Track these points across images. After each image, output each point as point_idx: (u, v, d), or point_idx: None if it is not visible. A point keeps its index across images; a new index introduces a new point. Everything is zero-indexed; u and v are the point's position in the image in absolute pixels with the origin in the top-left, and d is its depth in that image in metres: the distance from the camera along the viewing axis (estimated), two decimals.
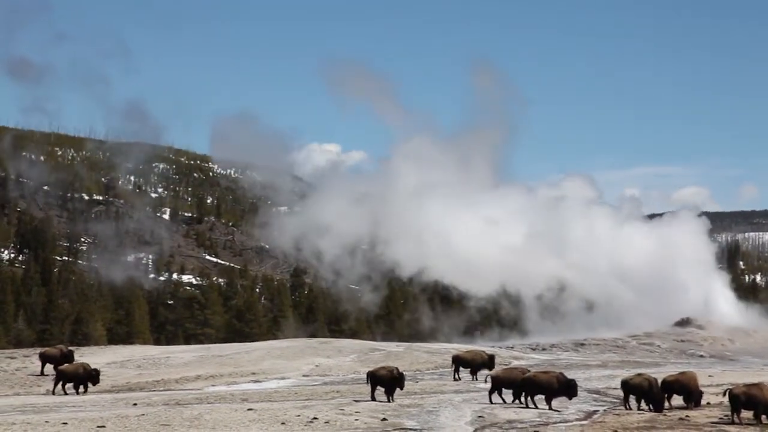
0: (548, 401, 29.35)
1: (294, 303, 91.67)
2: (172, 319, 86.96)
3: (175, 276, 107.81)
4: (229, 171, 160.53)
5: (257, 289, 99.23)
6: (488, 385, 31.88)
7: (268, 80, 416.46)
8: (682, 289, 76.76)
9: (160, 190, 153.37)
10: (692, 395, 30.04)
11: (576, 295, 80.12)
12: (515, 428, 25.52)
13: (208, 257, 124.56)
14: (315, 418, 25.99)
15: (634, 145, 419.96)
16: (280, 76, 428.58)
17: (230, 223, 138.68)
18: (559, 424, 26.27)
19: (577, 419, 27.54)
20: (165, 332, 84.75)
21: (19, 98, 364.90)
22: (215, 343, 69.48)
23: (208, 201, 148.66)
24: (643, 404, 29.47)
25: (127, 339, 75.03)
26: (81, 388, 35.66)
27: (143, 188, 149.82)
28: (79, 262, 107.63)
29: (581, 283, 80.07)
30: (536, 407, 29.27)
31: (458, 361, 40.50)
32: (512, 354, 54.37)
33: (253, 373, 42.81)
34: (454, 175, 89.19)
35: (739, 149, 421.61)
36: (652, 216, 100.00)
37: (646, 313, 74.51)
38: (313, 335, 73.03)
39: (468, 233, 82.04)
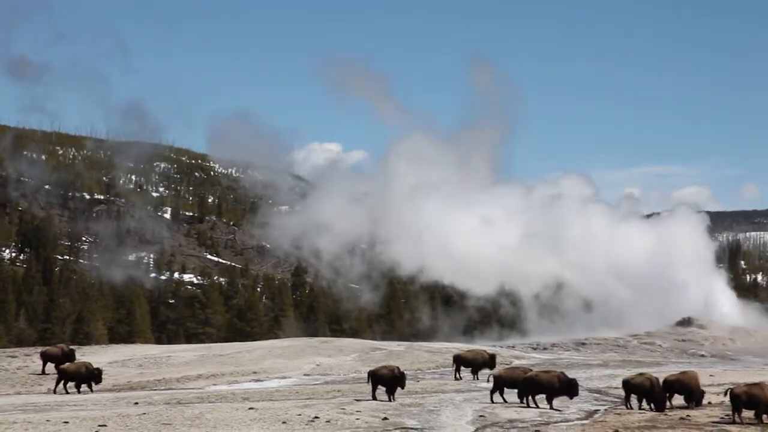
0: (549, 400, 29.35)
1: (295, 302, 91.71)
2: (173, 319, 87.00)
3: (176, 275, 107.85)
4: (230, 170, 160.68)
5: (258, 289, 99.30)
6: (489, 385, 31.88)
7: (269, 80, 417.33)
8: (682, 288, 76.62)
9: (161, 189, 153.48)
10: (693, 395, 30.04)
11: (575, 294, 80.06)
12: (516, 427, 25.52)
13: (209, 256, 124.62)
14: (316, 418, 26.00)
15: (634, 145, 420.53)
16: (282, 75, 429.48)
17: (231, 223, 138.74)
18: (560, 424, 26.27)
19: (578, 418, 27.54)
20: (166, 331, 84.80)
21: (19, 97, 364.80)
22: (216, 342, 69.53)
23: (209, 200, 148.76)
24: (644, 404, 29.46)
25: (128, 338, 75.06)
26: (84, 387, 35.66)
27: (144, 187, 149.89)
28: (81, 261, 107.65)
29: (580, 282, 80.00)
30: (537, 407, 29.27)
31: (459, 361, 40.49)
32: (513, 353, 54.35)
33: (255, 373, 42.83)
34: (452, 174, 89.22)
35: (739, 149, 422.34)
36: (652, 216, 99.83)
37: (645, 313, 74.43)
38: (314, 334, 73.06)
39: (466, 232, 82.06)
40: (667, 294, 75.81)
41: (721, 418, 27.33)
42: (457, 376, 39.92)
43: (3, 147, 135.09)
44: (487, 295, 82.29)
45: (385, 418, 26.36)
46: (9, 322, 74.85)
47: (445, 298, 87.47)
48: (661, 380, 29.80)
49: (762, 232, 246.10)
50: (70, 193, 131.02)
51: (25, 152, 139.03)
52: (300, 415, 26.55)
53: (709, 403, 30.22)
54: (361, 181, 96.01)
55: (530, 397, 29.70)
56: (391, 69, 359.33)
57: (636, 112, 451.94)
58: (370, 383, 31.03)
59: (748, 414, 26.64)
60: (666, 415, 28.13)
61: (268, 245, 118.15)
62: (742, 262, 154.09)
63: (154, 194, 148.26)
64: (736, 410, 26.66)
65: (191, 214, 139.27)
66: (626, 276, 78.46)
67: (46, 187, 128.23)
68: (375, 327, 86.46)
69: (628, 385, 29.77)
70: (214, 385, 38.69)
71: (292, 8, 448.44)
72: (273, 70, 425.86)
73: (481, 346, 53.86)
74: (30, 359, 46.90)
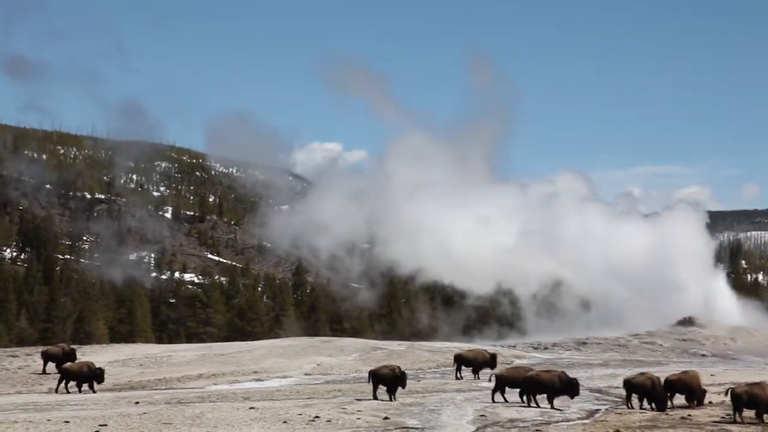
0: (550, 400, 29.33)
1: (296, 301, 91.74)
2: (174, 318, 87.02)
3: (177, 274, 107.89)
4: (231, 170, 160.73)
5: (259, 288, 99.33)
6: (490, 384, 31.85)
7: (270, 80, 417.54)
8: (682, 287, 76.53)
9: (162, 188, 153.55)
10: (695, 394, 30.03)
11: (573, 293, 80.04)
12: (517, 427, 25.49)
13: (210, 256, 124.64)
14: (317, 417, 25.98)
15: (634, 145, 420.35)
16: (283, 75, 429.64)
17: (232, 222, 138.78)
18: (561, 423, 26.25)
19: (579, 418, 27.52)
20: (167, 331, 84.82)
21: (19, 97, 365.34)
22: (217, 341, 69.56)
23: (210, 199, 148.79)
24: (645, 403, 29.44)
25: (129, 337, 75.08)
26: (85, 387, 35.63)
27: (145, 187, 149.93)
28: (81, 260, 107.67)
29: (578, 281, 79.96)
30: (538, 406, 29.25)
31: (460, 360, 40.48)
32: (514, 353, 54.34)
33: (255, 372, 42.84)
34: (450, 173, 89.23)
35: (739, 149, 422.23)
36: (651, 215, 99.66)
37: (645, 312, 74.41)
38: (315, 334, 73.08)
39: (464, 232, 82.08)
40: (667, 293, 75.77)
41: (722, 417, 27.31)
42: (458, 375, 39.91)
43: (4, 146, 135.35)
44: (486, 294, 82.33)
45: (386, 418, 26.35)
46: (10, 321, 74.88)
47: (444, 297, 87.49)
48: (662, 380, 29.78)
49: (762, 232, 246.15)
50: (70, 193, 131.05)
51: (25, 151, 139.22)
52: (301, 414, 26.54)
53: (710, 402, 30.20)
54: (360, 181, 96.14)
55: (531, 397, 29.67)
56: (391, 69, 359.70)
57: (636, 112, 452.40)
58: (371, 383, 31.03)
59: (749, 413, 26.63)
60: (667, 414, 28.12)
61: (268, 244, 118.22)
62: (743, 262, 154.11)
63: (155, 194, 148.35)
64: (737, 410, 26.65)
65: (192, 213, 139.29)
66: (625, 275, 78.38)
67: (47, 186, 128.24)
68: (376, 326, 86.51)
69: (630, 385, 29.75)
70: (215, 384, 38.70)
71: (293, 8, 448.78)
72: (274, 70, 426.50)
73: (482, 345, 53.88)
74: (31, 359, 46.93)
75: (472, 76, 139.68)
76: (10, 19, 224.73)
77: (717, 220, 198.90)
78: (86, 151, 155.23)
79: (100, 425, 24.31)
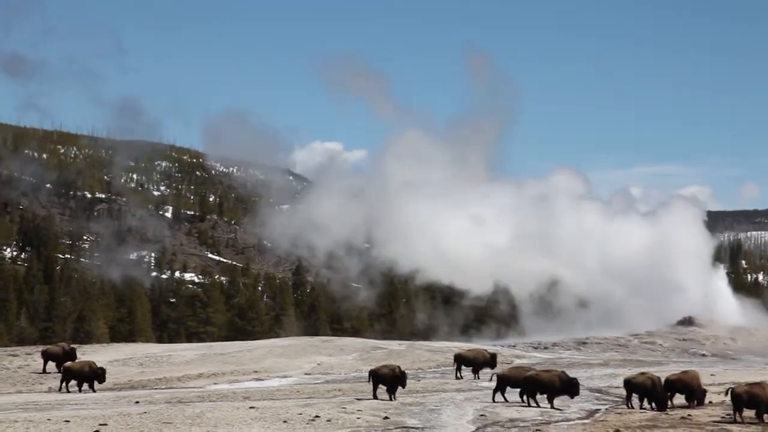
0: (550, 400, 29.34)
1: (296, 301, 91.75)
2: (174, 317, 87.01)
3: (177, 274, 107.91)
4: (231, 169, 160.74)
5: (259, 287, 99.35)
6: (490, 384, 31.85)
7: (271, 80, 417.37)
8: (681, 285, 76.36)
9: (162, 188, 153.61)
10: (695, 394, 30.04)
11: (571, 292, 79.98)
12: (517, 427, 25.49)
13: (210, 255, 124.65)
14: (317, 417, 25.99)
15: (634, 145, 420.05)
16: (284, 75, 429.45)
17: (232, 221, 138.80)
18: (561, 423, 26.25)
19: (579, 418, 27.52)
20: (167, 330, 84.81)
21: (19, 96, 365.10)
22: (217, 341, 69.55)
23: (210, 199, 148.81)
24: (645, 403, 29.44)
25: (129, 337, 75.07)
26: (85, 386, 35.62)
27: (145, 186, 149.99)
28: (82, 260, 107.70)
29: (576, 280, 79.88)
30: (538, 406, 29.26)
31: (460, 360, 40.48)
32: (514, 353, 54.37)
33: (255, 372, 42.85)
34: (448, 172, 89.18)
35: (739, 149, 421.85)
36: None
37: (644, 311, 74.39)
38: (315, 333, 73.09)
39: (462, 231, 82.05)
40: (666, 292, 75.70)
41: (722, 417, 27.31)
42: (458, 375, 39.91)
43: (4, 146, 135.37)
44: (484, 293, 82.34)
45: (386, 417, 26.35)
46: (10, 320, 74.89)
47: (444, 297, 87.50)
48: (662, 379, 29.79)
49: (763, 232, 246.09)
50: (71, 192, 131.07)
51: (26, 151, 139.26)
52: (301, 414, 26.55)
53: (710, 402, 30.20)
54: (358, 180, 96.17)
55: (531, 397, 29.67)
56: (392, 69, 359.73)
57: (636, 112, 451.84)
58: (371, 382, 31.03)
59: (749, 413, 26.63)
60: (667, 414, 28.12)
61: (269, 244, 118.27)
62: (743, 262, 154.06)
63: (156, 193, 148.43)
64: (737, 410, 26.66)
65: (192, 213, 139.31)
66: (622, 273, 78.21)
67: (47, 185, 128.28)
68: (375, 326, 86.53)
69: (630, 385, 29.75)
70: (215, 384, 38.70)
71: (294, 8, 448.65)
72: (274, 70, 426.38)
73: (482, 345, 53.90)
74: (31, 358, 46.96)
75: (472, 75, 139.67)
76: (9, 18, 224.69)
77: (717, 220, 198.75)
78: (86, 150, 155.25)
79: (100, 425, 24.31)
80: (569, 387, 29.34)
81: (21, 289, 78.90)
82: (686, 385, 30.10)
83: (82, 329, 75.27)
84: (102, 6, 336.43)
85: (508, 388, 30.85)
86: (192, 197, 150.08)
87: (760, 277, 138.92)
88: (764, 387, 26.71)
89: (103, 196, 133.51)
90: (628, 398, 29.79)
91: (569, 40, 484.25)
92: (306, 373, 42.74)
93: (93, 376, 35.57)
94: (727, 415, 27.32)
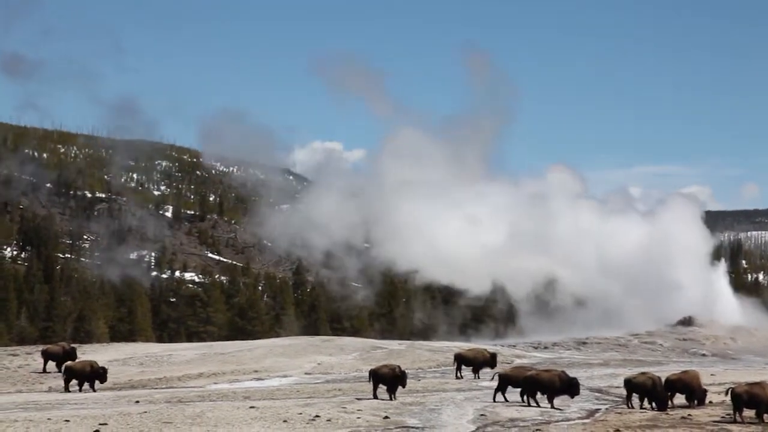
0: (550, 399, 29.33)
1: (296, 301, 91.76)
2: (174, 317, 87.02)
3: (177, 273, 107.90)
4: (231, 169, 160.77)
5: (259, 287, 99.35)
6: (490, 384, 31.83)
7: (271, 79, 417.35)
8: (680, 284, 76.20)
9: (162, 187, 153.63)
10: (695, 394, 30.04)
11: (569, 291, 79.94)
12: (517, 426, 25.48)
13: (210, 255, 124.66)
14: (317, 416, 25.98)
15: (634, 145, 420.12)
16: (285, 75, 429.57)
17: (233, 221, 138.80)
18: (561, 423, 26.24)
19: (579, 417, 27.51)
20: (167, 330, 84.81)
21: (17, 96, 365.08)
22: (217, 340, 69.55)
23: (211, 199, 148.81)
24: (645, 403, 29.43)
25: (129, 336, 75.07)
26: (86, 386, 35.59)
27: (145, 186, 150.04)
28: (82, 259, 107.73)
29: (575, 279, 79.83)
30: (538, 405, 29.25)
31: (460, 360, 40.46)
32: (514, 352, 54.36)
33: (256, 371, 42.84)
34: (445, 172, 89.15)
35: (739, 149, 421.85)
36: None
37: (644, 311, 74.35)
38: (315, 333, 73.09)
39: (460, 230, 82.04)
40: (665, 291, 75.62)
41: (723, 417, 27.31)
42: (459, 375, 39.90)
43: (4, 145, 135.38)
44: (482, 293, 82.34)
45: (386, 417, 26.35)
46: (10, 320, 74.91)
47: (444, 297, 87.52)
48: (662, 379, 29.78)
49: (763, 232, 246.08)
50: (71, 192, 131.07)
51: (26, 150, 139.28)
52: (301, 413, 26.54)
53: (710, 402, 30.20)
54: (357, 179, 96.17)
55: (531, 396, 29.66)
56: (391, 69, 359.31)
57: (636, 112, 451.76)
58: (372, 382, 31.02)
59: (749, 413, 26.63)
60: (667, 414, 28.12)
61: (269, 243, 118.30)
62: (743, 262, 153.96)
63: (156, 192, 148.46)
64: (737, 409, 26.65)
65: (192, 212, 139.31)
66: (620, 272, 78.08)
67: (47, 185, 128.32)
68: (375, 325, 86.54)
69: (630, 384, 29.75)
70: (215, 383, 38.68)
71: (294, 8, 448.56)
72: (275, 70, 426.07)
73: (482, 345, 53.89)
74: (31, 357, 46.95)
75: (470, 74, 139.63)
76: (8, 18, 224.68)
77: (717, 220, 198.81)
78: (86, 150, 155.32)
79: (100, 424, 24.31)
80: (569, 387, 29.33)
81: (21, 289, 78.92)
82: (686, 385, 30.10)
83: (82, 329, 75.28)
84: (101, 6, 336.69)
85: (509, 388, 30.83)
86: (192, 197, 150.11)
87: (761, 276, 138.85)
88: (764, 387, 26.71)
89: (104, 195, 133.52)
90: (629, 398, 29.79)
91: (569, 40, 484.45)
92: (306, 373, 42.73)
93: (95, 375, 35.54)
94: (727, 414, 27.31)
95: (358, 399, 30.45)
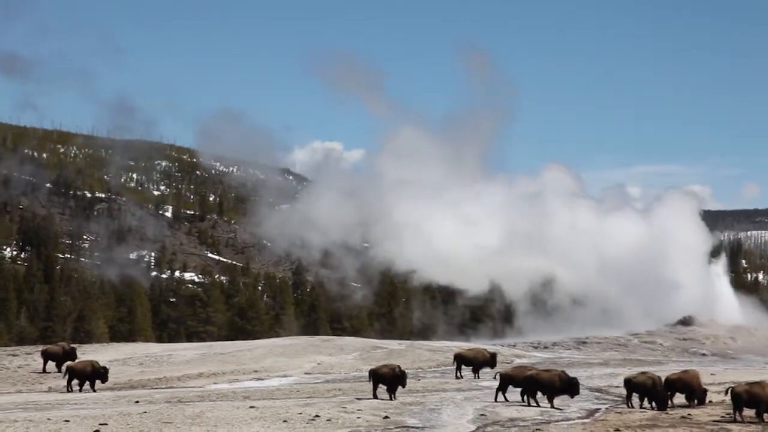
0: (550, 399, 29.32)
1: (296, 300, 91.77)
2: (174, 317, 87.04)
3: (177, 273, 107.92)
4: (231, 169, 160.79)
5: (259, 287, 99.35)
6: (490, 383, 31.82)
7: (272, 79, 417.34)
8: (678, 280, 76.09)
9: (162, 187, 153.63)
10: (695, 393, 30.03)
11: (566, 290, 79.91)
12: (517, 426, 25.47)
13: (210, 255, 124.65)
14: (317, 416, 25.97)
15: (634, 145, 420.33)
16: (285, 75, 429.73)
17: (232, 221, 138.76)
18: (561, 422, 26.23)
19: (579, 417, 27.50)
20: (167, 330, 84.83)
21: (14, 95, 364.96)
22: (217, 340, 69.55)
23: (210, 198, 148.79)
24: (645, 402, 29.42)
25: (129, 336, 75.08)
26: (86, 385, 35.56)
27: (145, 186, 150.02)
28: (81, 259, 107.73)
29: (572, 278, 79.79)
30: (538, 405, 29.24)
31: (460, 359, 40.44)
32: (514, 352, 54.33)
33: (255, 371, 42.82)
34: (442, 171, 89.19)
35: (739, 149, 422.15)
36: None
37: (643, 310, 74.32)
38: (315, 333, 73.08)
39: (459, 230, 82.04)
40: (664, 289, 75.56)
41: (722, 416, 27.30)
42: (458, 374, 39.88)
43: (3, 145, 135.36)
44: (480, 293, 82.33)
45: (386, 417, 26.34)
46: (10, 320, 74.92)
47: (441, 297, 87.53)
48: (662, 379, 29.77)
49: (763, 231, 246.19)
50: (70, 192, 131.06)
51: (25, 150, 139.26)
52: (301, 413, 26.53)
53: (710, 401, 30.20)
54: (356, 179, 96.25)
55: (531, 396, 29.65)
56: (391, 68, 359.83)
57: (636, 111, 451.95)
58: (371, 382, 31.01)
59: (749, 413, 26.62)
60: (667, 413, 28.11)
61: (268, 243, 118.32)
62: (743, 261, 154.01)
63: (155, 192, 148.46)
64: (737, 409, 26.65)
65: (192, 212, 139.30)
66: (619, 270, 77.98)
67: (47, 185, 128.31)
68: (375, 325, 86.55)
69: (630, 384, 29.74)
70: (215, 383, 38.65)
71: (295, 8, 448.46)
72: (275, 70, 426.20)
73: (482, 344, 53.90)
74: (31, 357, 46.91)
75: (469, 73, 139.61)
76: (4, 17, 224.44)
77: (717, 220, 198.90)
78: (86, 150, 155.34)
79: (100, 424, 24.30)
80: (569, 386, 29.32)
81: (21, 289, 78.93)
82: (686, 385, 30.09)
83: (82, 329, 75.29)
84: (98, 5, 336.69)
85: (509, 387, 30.82)
86: (192, 197, 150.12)
87: (760, 276, 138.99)
88: (764, 386, 26.70)
89: (103, 195, 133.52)
90: (629, 398, 29.78)
91: (569, 39, 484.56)
92: (306, 373, 42.71)
93: (96, 375, 35.51)
94: (727, 414, 27.31)
95: (358, 399, 30.44)
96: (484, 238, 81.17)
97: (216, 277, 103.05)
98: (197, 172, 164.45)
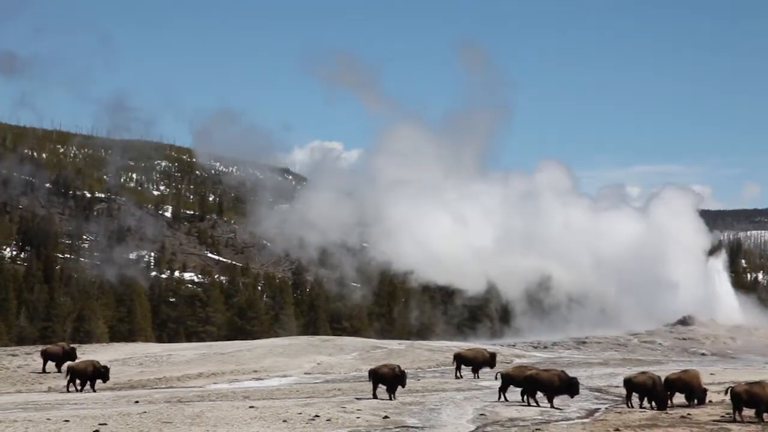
0: (550, 399, 29.32)
1: (296, 300, 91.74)
2: (173, 317, 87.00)
3: (176, 273, 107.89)
4: (231, 168, 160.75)
5: (259, 287, 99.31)
6: (490, 383, 31.80)
7: (272, 79, 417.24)
8: (675, 279, 76.00)
9: (161, 187, 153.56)
10: (695, 393, 30.03)
11: (563, 289, 79.84)
12: (517, 426, 25.47)
13: (209, 255, 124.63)
14: (317, 416, 25.97)
15: (634, 144, 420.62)
16: (285, 75, 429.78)
17: (232, 221, 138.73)
18: (561, 422, 26.23)
19: (578, 417, 27.51)
20: (167, 330, 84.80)
21: (14, 96, 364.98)
22: (217, 340, 69.51)
23: (210, 198, 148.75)
24: (645, 402, 29.42)
25: (128, 336, 75.06)
26: (86, 385, 35.53)
27: (144, 186, 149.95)
28: (81, 259, 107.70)
29: (568, 277, 79.72)
30: (538, 405, 29.24)
31: (460, 359, 40.44)
32: (514, 352, 54.33)
33: (255, 371, 42.81)
34: (439, 170, 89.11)
35: (739, 148, 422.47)
36: None
37: (642, 309, 74.25)
38: (314, 333, 73.07)
39: (456, 230, 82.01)
40: (660, 286, 75.48)
41: (722, 416, 27.30)
42: (458, 374, 39.87)
43: (3, 145, 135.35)
44: (477, 292, 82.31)
45: (386, 417, 26.33)
46: (10, 320, 74.89)
47: (441, 296, 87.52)
48: (662, 379, 29.76)
49: (763, 231, 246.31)
50: (70, 192, 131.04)
51: (25, 150, 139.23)
52: (300, 413, 26.53)
53: (710, 401, 30.20)
54: (355, 178, 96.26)
55: (531, 396, 29.64)
56: (388, 67, 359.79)
57: (635, 111, 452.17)
58: (371, 382, 31.01)
59: (748, 412, 26.62)
60: (667, 413, 28.11)
61: (268, 243, 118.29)
62: (743, 261, 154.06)
63: (155, 192, 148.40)
64: (736, 409, 26.65)
65: (192, 212, 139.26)
66: (616, 268, 77.86)
67: (47, 185, 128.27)
68: (375, 325, 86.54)
69: (630, 384, 29.74)
70: (215, 383, 38.65)
71: (296, 8, 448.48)
72: (275, 70, 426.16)
73: (480, 344, 53.90)
74: (31, 357, 46.87)
75: (467, 72, 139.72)
76: (2, 17, 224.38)
77: (717, 220, 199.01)
78: (85, 150, 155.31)
79: (99, 424, 24.30)
80: (569, 386, 29.32)
81: (21, 289, 78.92)
82: (686, 385, 30.09)
83: (82, 329, 75.27)
84: (95, 4, 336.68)
85: (509, 387, 30.81)
86: (191, 197, 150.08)
87: (760, 276, 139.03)
88: (764, 386, 26.70)
89: (103, 195, 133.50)
90: (628, 397, 29.78)
91: (568, 39, 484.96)
92: (306, 373, 42.70)
93: (97, 375, 35.48)
94: (727, 414, 27.31)
95: (357, 399, 30.44)
96: (481, 238, 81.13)
97: (215, 277, 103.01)
98: (197, 172, 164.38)
